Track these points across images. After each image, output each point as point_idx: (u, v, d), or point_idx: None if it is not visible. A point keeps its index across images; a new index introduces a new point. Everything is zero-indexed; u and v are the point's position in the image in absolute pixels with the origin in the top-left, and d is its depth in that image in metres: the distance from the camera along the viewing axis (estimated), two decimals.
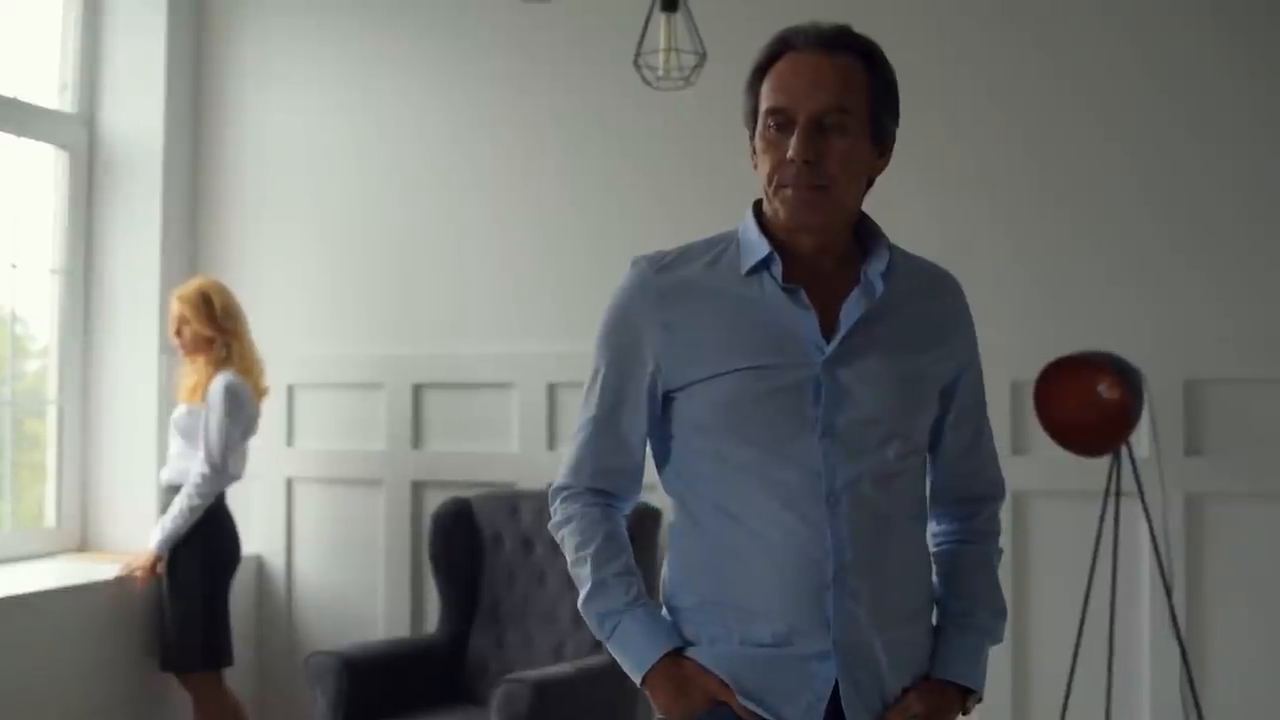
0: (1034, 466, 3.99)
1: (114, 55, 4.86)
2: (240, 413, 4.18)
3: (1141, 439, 3.81)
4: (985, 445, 2.01)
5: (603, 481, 1.96)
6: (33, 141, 4.67)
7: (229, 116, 4.98)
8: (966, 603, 1.95)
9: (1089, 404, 3.58)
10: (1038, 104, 4.07)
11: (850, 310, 1.84)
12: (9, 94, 4.56)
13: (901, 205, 4.13)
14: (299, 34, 4.93)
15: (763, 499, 1.82)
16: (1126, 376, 3.56)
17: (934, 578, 1.98)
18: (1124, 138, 3.99)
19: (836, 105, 1.80)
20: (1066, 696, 3.68)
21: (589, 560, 1.91)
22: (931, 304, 1.92)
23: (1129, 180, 3.98)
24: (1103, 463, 3.71)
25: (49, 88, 4.79)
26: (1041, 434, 3.75)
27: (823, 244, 1.87)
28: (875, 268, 1.86)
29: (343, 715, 3.89)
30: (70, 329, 4.78)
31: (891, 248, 1.90)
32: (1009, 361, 3.96)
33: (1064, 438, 3.65)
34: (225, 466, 4.15)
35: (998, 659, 3.89)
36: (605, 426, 1.94)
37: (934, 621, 1.96)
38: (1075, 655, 3.69)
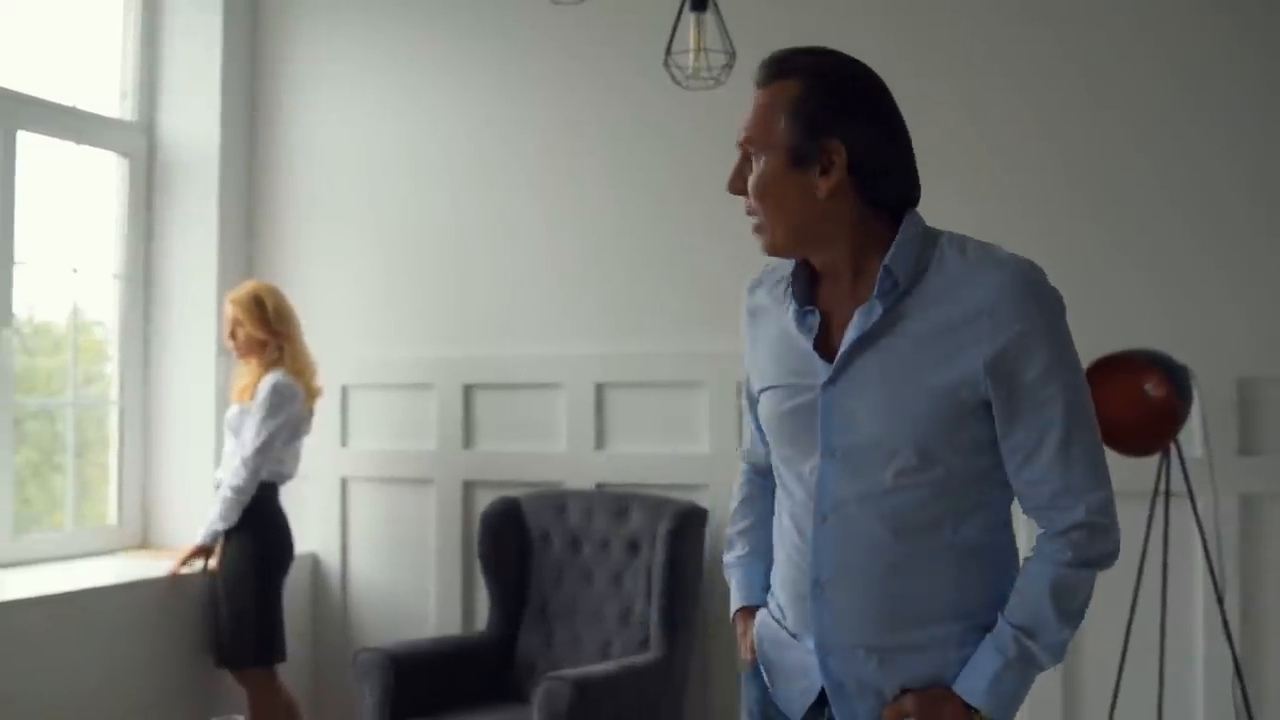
0: None
1: (171, 63, 4.96)
2: (283, 412, 4.25)
3: (1193, 438, 3.75)
4: (1051, 452, 1.80)
5: (750, 456, 2.20)
6: (94, 149, 4.78)
7: (283, 121, 5.07)
8: (1004, 619, 1.84)
9: (1135, 402, 3.52)
10: (1078, 101, 4.01)
11: (850, 331, 1.84)
12: (71, 103, 4.67)
13: (938, 205, 4.10)
14: (351, 39, 5.00)
15: (784, 507, 1.99)
16: (1173, 374, 3.49)
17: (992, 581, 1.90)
18: (1173, 136, 3.92)
19: (747, 138, 1.86)
20: (1113, 703, 3.63)
21: (731, 518, 2.22)
22: (961, 300, 1.78)
23: (1175, 176, 3.92)
24: (1151, 462, 3.65)
25: (110, 96, 4.91)
26: None
27: (824, 263, 1.90)
28: (883, 283, 1.82)
29: (389, 711, 3.94)
30: (131, 332, 4.89)
31: (928, 248, 1.84)
32: None
33: (1110, 437, 3.58)
34: (262, 462, 4.21)
35: None
36: (747, 412, 2.15)
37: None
38: (1122, 661, 3.63)
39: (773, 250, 1.89)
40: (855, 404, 1.83)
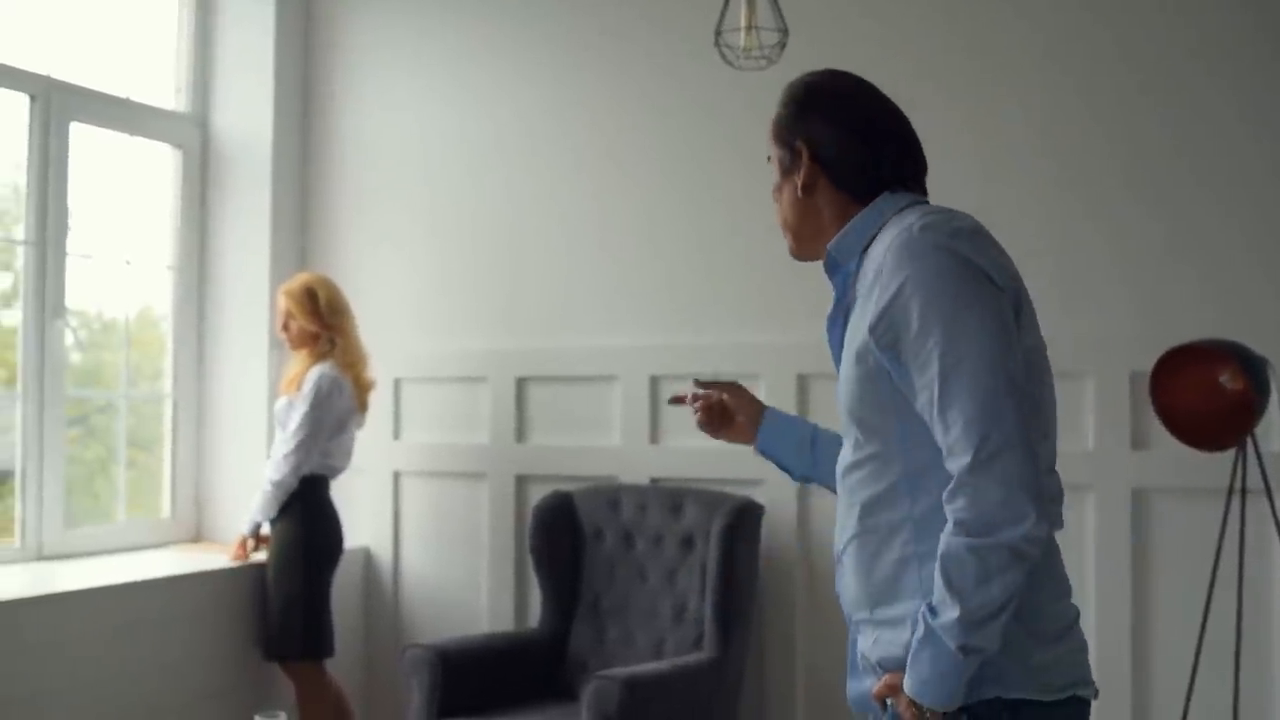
0: (1154, 462, 3.80)
1: (224, 55, 4.95)
2: (327, 404, 4.21)
3: (1270, 433, 3.60)
4: (934, 413, 1.72)
5: None
6: (147, 141, 4.77)
7: (336, 112, 5.04)
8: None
9: (1210, 395, 3.38)
10: (1167, 70, 3.87)
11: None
12: (124, 95, 4.67)
13: (1013, 188, 4.00)
14: (402, 29, 4.95)
15: None
16: (1251, 365, 3.35)
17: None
18: (1255, 118, 3.77)
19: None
20: (1186, 708, 3.49)
21: None
22: (872, 271, 1.84)
23: (1252, 159, 3.77)
24: (1227, 458, 3.50)
25: (163, 88, 4.90)
26: (1161, 428, 3.56)
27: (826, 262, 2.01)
28: (826, 266, 1.99)
29: (437, 708, 3.89)
30: (184, 324, 4.88)
31: (883, 228, 1.90)
32: (1127, 352, 3.81)
33: (1184, 431, 3.46)
34: (304, 456, 4.18)
35: (1116, 658, 3.75)
36: None
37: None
38: (1196, 661, 3.49)
39: (793, 255, 2.06)
40: (838, 383, 1.94)
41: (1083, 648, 1.84)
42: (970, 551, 1.67)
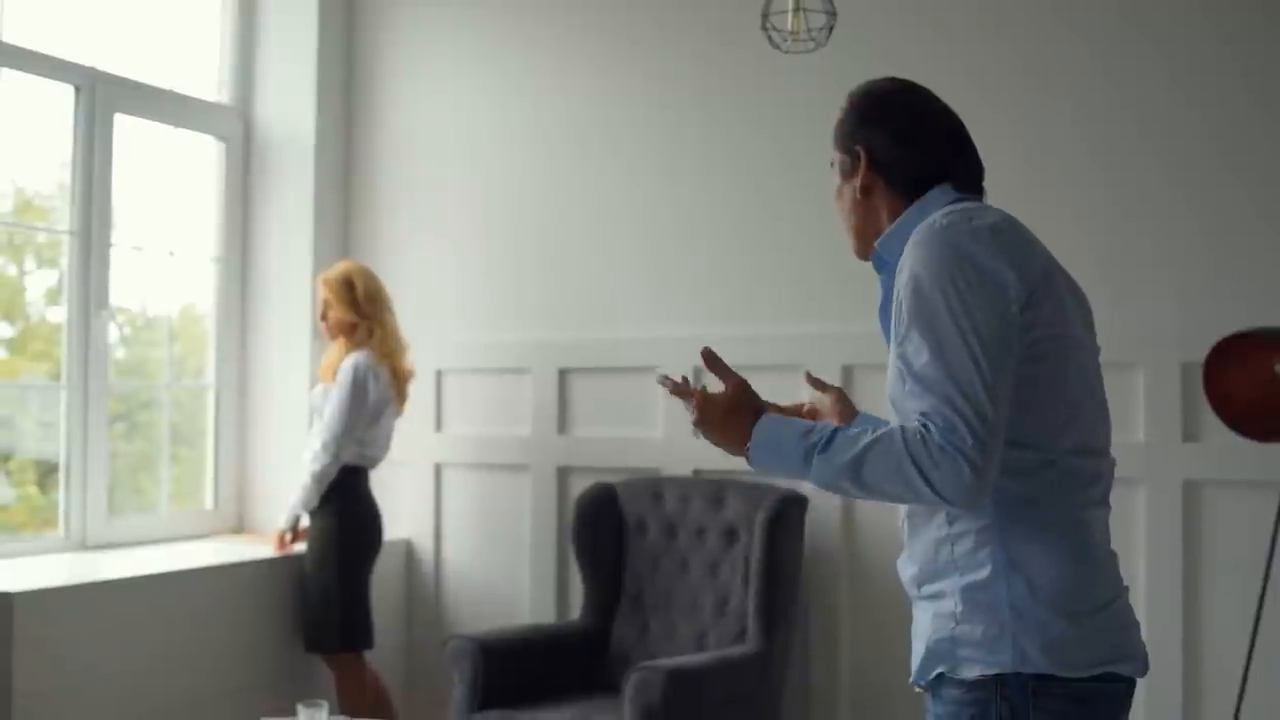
0: (1206, 454, 3.73)
1: (267, 47, 4.96)
2: (362, 391, 4.20)
3: None
4: (912, 389, 1.82)
5: None
6: (191, 133, 4.79)
7: (379, 104, 5.03)
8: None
9: (1264, 384, 3.31)
10: (1210, 65, 3.80)
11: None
12: (169, 87, 4.68)
13: (1058, 187, 3.94)
14: (446, 20, 4.94)
15: None
16: None
17: (953, 555, 1.89)
18: None
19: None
20: (1240, 696, 3.42)
21: None
22: (901, 267, 1.94)
23: None
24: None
25: (207, 80, 4.91)
26: (1213, 420, 3.50)
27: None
28: (875, 262, 2.10)
29: (479, 699, 3.88)
30: (227, 315, 4.90)
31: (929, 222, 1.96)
32: (1178, 342, 3.75)
33: (1237, 422, 3.39)
34: (342, 445, 4.18)
35: (1168, 651, 3.69)
36: None
37: (955, 606, 1.87)
38: (1249, 656, 3.42)
39: (857, 255, 2.15)
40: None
41: (1119, 626, 1.87)
42: (886, 454, 1.77)
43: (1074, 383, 1.90)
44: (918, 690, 1.97)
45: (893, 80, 2.14)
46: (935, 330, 1.80)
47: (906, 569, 1.99)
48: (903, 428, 1.78)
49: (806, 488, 4.18)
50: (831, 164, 2.14)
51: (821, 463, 1.83)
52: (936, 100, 2.10)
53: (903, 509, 1.98)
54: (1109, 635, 1.85)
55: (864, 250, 2.12)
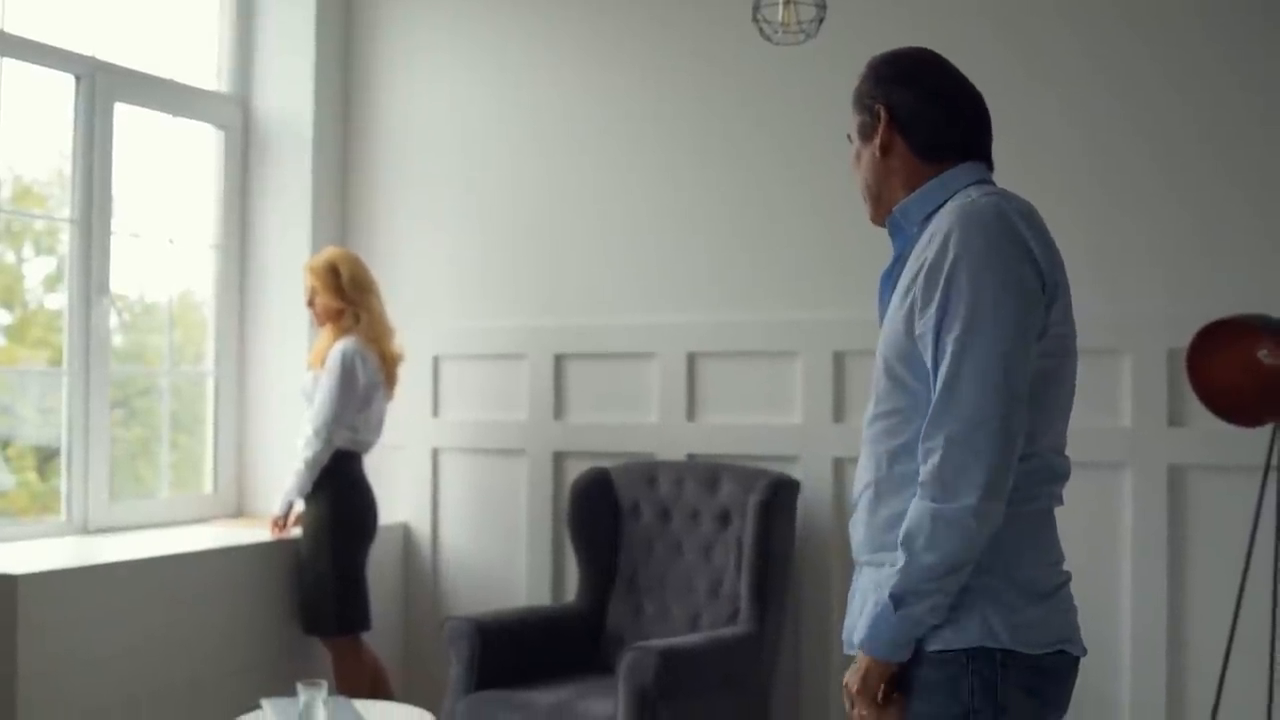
0: (1191, 438, 3.79)
1: (266, 36, 5.00)
2: (351, 377, 4.24)
3: None
4: (948, 374, 1.84)
5: None
6: (189, 121, 4.83)
7: (377, 92, 5.07)
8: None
9: (1248, 370, 3.37)
10: (1197, 54, 3.86)
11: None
12: (169, 76, 4.72)
13: (1049, 173, 3.99)
14: (443, 11, 4.98)
15: None
16: None
17: None
18: None
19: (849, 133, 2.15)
20: (1219, 691, 3.49)
21: None
22: (932, 236, 1.93)
23: (1278, 143, 3.75)
24: (1264, 433, 3.50)
25: (207, 70, 4.95)
26: (1198, 405, 3.56)
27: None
28: (890, 224, 2.08)
29: (476, 679, 3.94)
30: (226, 302, 4.94)
31: (949, 200, 1.98)
32: (1165, 328, 3.80)
33: (1221, 407, 3.46)
34: (333, 431, 4.22)
35: (1152, 633, 3.76)
36: None
37: None
38: (1231, 637, 3.49)
39: (873, 220, 2.12)
40: (880, 338, 2.03)
41: (1069, 609, 1.96)
42: (922, 515, 1.83)
43: (1068, 383, 1.96)
44: (849, 655, 2.00)
45: (915, 47, 2.15)
46: (971, 322, 1.82)
47: (859, 533, 2.02)
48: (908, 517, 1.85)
49: (798, 471, 4.25)
50: (849, 137, 2.13)
51: (901, 588, 1.84)
52: (955, 69, 2.11)
53: (865, 477, 2.00)
54: (1064, 616, 1.94)
55: (879, 215, 2.11)
